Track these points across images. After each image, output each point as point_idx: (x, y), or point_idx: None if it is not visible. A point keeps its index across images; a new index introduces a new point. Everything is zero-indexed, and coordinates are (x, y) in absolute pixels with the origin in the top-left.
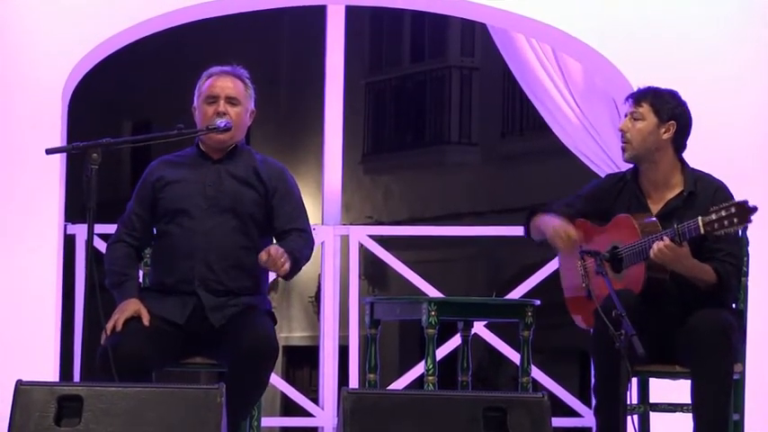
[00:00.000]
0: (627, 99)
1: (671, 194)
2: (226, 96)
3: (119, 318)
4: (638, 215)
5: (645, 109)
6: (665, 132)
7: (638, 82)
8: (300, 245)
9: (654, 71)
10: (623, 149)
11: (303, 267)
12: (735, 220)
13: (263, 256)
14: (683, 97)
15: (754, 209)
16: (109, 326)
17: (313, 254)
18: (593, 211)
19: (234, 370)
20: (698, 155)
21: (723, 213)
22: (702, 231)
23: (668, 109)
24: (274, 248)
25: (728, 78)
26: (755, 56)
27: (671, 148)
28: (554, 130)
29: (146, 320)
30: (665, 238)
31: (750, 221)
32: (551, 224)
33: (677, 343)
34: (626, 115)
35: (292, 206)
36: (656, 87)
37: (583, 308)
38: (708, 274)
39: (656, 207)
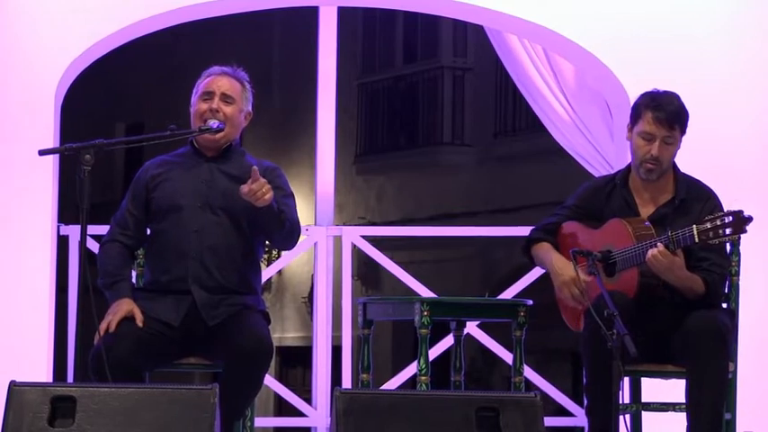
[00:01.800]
0: (659, 122)
1: (662, 200)
2: (221, 94)
3: (112, 319)
4: (631, 220)
5: (677, 132)
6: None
7: (630, 83)
8: (290, 215)
9: (646, 73)
10: (650, 171)
11: (295, 268)
12: (730, 230)
13: (247, 185)
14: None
15: (750, 219)
16: (102, 327)
17: (306, 254)
18: (582, 217)
19: (229, 371)
20: (691, 157)
21: (718, 222)
22: (697, 240)
23: (687, 122)
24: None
25: (722, 79)
26: (749, 58)
27: None
28: (549, 129)
29: (139, 321)
30: (659, 244)
31: (745, 231)
32: (567, 272)
33: (673, 344)
34: (650, 137)
35: (283, 196)
36: (679, 101)
37: (573, 308)
38: (697, 284)
39: (646, 212)
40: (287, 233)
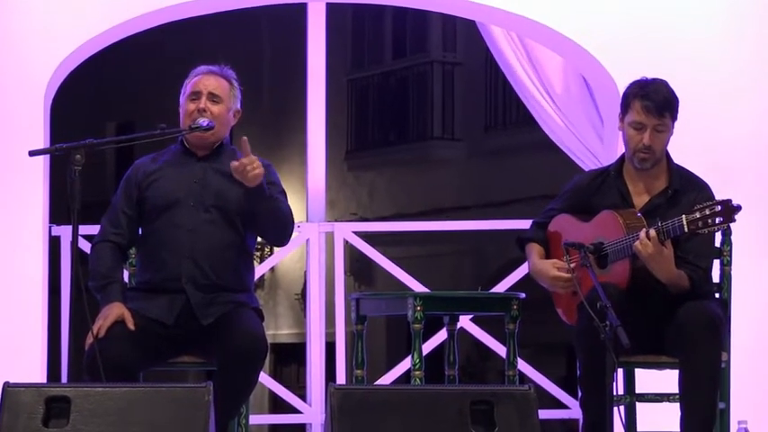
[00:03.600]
0: (648, 111)
1: (655, 190)
2: (208, 93)
3: (102, 324)
4: (622, 211)
5: (667, 119)
6: (672, 133)
7: (619, 74)
8: (281, 204)
9: (635, 64)
10: (644, 160)
11: (288, 265)
12: (719, 219)
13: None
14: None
15: (739, 208)
16: (93, 331)
17: (299, 251)
18: (573, 208)
19: (223, 369)
20: (683, 152)
21: (707, 212)
22: (686, 230)
23: (678, 109)
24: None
25: (712, 67)
26: (739, 46)
27: None
28: (540, 123)
29: (130, 324)
30: (650, 230)
31: (734, 221)
32: (545, 275)
33: (666, 335)
34: (641, 127)
35: (277, 193)
36: (667, 88)
37: (567, 301)
38: (683, 280)
39: (640, 202)
40: (281, 224)
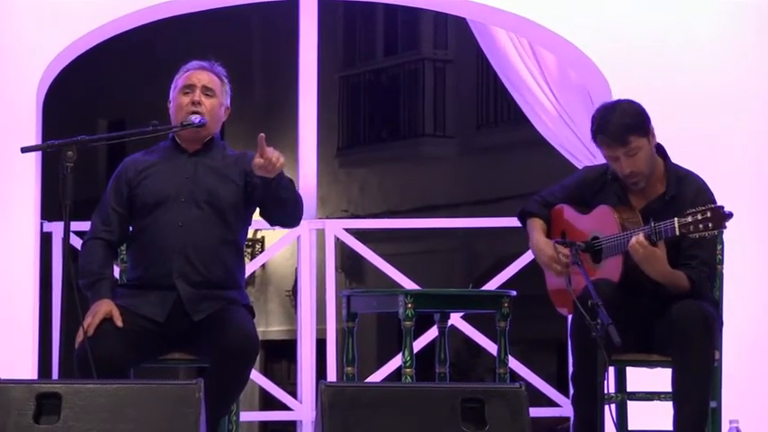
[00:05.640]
0: (608, 145)
1: (653, 194)
2: (202, 86)
3: (91, 323)
4: (620, 208)
5: (633, 142)
6: (653, 142)
7: (612, 75)
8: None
9: (629, 65)
10: (635, 184)
11: (279, 262)
12: (710, 225)
13: (256, 157)
14: (663, 99)
15: (730, 215)
16: (84, 327)
17: (290, 248)
18: (574, 200)
19: (215, 367)
20: (679, 156)
21: (699, 217)
22: (678, 233)
23: (643, 123)
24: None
25: (704, 69)
26: (731, 49)
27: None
28: (532, 121)
29: (118, 321)
30: (640, 234)
31: (725, 227)
32: (544, 252)
33: (657, 333)
34: (615, 158)
35: None
36: (623, 112)
37: (567, 299)
38: (682, 281)
39: (638, 205)
40: (299, 205)
